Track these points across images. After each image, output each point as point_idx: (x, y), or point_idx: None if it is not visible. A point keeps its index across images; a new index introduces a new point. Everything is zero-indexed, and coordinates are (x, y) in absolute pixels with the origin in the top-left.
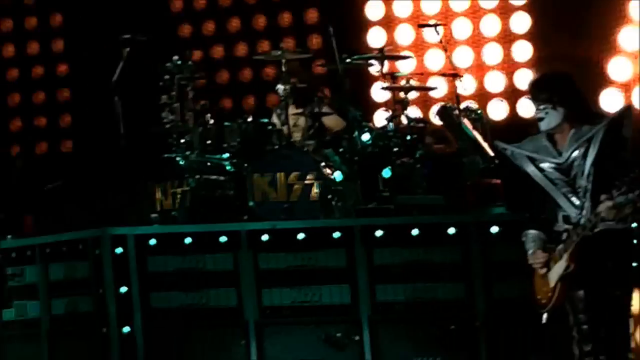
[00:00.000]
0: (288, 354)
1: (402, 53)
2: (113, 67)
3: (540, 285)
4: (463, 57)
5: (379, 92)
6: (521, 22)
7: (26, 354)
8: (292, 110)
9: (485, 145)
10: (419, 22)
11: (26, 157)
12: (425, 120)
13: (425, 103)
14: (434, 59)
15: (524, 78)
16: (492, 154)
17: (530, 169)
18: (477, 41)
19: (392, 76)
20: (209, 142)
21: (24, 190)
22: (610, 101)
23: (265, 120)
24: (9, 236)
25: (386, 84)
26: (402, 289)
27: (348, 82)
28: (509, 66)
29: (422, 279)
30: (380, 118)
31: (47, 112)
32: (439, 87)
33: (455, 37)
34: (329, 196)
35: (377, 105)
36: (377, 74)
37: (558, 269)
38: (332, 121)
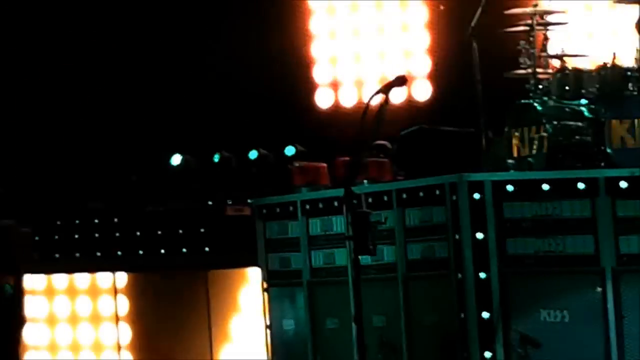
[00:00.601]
0: None
1: None
2: (472, 12)
3: None
4: None
5: None
6: None
7: (383, 297)
8: None
9: None
10: None
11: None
12: None
13: None
14: None
15: None
16: None
17: None
18: None
19: None
20: (566, 88)
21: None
22: None
23: (625, 66)
24: (365, 181)
25: None
26: None
27: None
28: None
29: None
30: None
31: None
32: None
33: None
34: None
35: None
36: None
37: None
38: None
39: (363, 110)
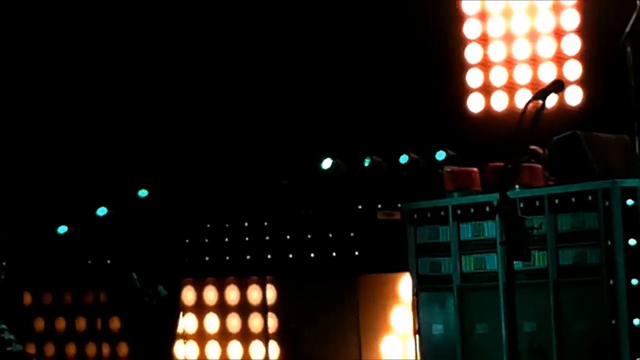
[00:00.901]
0: None
1: None
2: (623, 17)
3: None
4: None
5: None
6: None
7: (533, 303)
8: None
9: None
10: None
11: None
12: None
13: None
14: None
15: None
16: None
17: None
18: None
19: None
20: None
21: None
22: None
23: None
24: (517, 187)
25: None
26: None
27: None
28: None
29: None
30: None
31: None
32: None
33: None
34: None
35: None
36: None
37: None
38: None
39: (520, 115)
